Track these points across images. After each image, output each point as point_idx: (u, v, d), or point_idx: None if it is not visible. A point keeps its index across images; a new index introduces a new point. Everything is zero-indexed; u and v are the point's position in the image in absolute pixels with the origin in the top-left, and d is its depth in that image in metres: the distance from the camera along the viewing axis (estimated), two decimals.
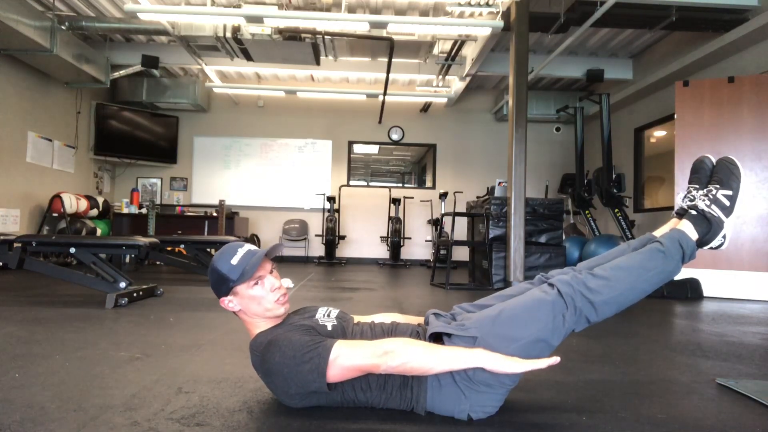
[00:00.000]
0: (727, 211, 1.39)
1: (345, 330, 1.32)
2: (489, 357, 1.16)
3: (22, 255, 3.05)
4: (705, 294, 4.15)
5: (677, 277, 4.24)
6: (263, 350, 1.23)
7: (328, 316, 1.36)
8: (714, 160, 1.49)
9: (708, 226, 1.38)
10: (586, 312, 1.24)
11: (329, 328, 1.29)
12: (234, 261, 1.25)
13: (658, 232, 1.44)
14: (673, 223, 1.46)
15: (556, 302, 1.24)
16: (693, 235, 1.37)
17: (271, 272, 1.31)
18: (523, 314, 1.24)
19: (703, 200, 1.41)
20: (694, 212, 1.41)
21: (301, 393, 1.20)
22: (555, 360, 1.15)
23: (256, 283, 1.27)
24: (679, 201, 1.51)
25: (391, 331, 1.34)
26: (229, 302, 1.29)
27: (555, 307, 1.23)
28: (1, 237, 3.10)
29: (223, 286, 1.27)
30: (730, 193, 1.40)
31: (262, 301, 1.27)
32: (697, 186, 1.47)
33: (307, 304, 1.50)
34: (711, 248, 1.42)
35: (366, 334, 1.33)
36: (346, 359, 1.15)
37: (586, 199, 6.65)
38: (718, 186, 1.42)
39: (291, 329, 1.25)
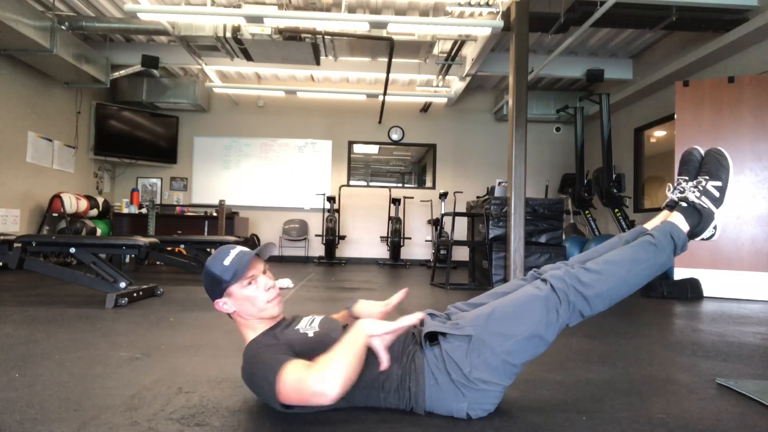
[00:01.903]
0: (718, 202, 1.40)
1: (329, 336, 1.30)
2: (367, 325, 1.18)
3: (22, 255, 3.05)
4: (705, 294, 4.15)
5: (677, 277, 4.24)
6: (245, 364, 1.25)
7: (311, 324, 1.36)
8: (703, 152, 1.50)
9: (699, 218, 1.39)
10: (579, 306, 1.24)
11: (310, 334, 1.29)
12: (226, 262, 1.26)
13: (649, 225, 1.45)
14: (664, 216, 1.46)
15: (549, 297, 1.24)
16: (684, 227, 1.38)
17: (264, 272, 1.32)
18: (516, 311, 1.24)
19: (693, 192, 1.42)
20: (684, 204, 1.42)
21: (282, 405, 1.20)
22: (418, 317, 1.22)
23: (250, 283, 1.28)
24: (669, 193, 1.51)
25: None
26: (223, 304, 1.30)
27: (548, 302, 1.23)
28: (1, 237, 3.10)
29: (217, 287, 1.27)
30: (719, 184, 1.41)
31: (255, 300, 1.28)
32: (687, 178, 1.48)
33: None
34: (702, 239, 1.43)
35: None
36: (289, 385, 1.12)
37: (586, 199, 6.65)
38: (707, 177, 1.42)
39: (266, 347, 1.23)
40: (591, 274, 1.26)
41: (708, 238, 1.42)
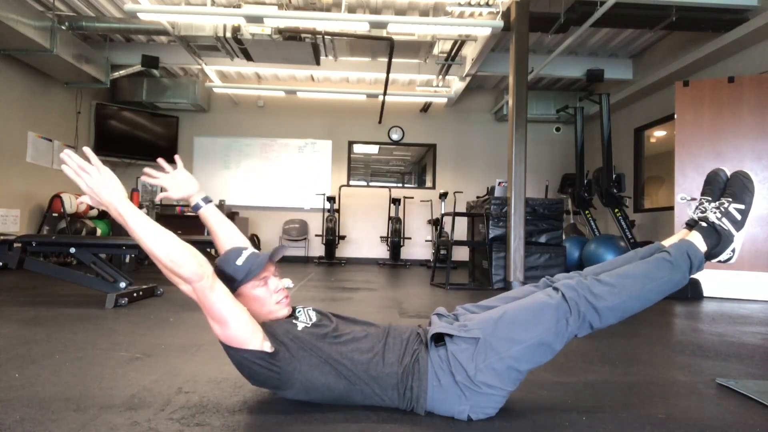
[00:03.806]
0: (738, 225, 1.39)
1: (334, 327, 1.33)
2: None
3: (22, 255, 3.04)
4: (705, 294, 4.14)
5: None
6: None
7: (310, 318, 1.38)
8: (728, 173, 1.48)
9: (717, 239, 1.37)
10: (589, 317, 1.24)
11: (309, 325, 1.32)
12: (239, 262, 1.26)
13: (667, 242, 1.43)
14: (682, 234, 1.45)
15: (560, 306, 1.23)
16: (702, 247, 1.36)
17: (274, 274, 1.33)
18: (526, 317, 1.24)
19: (715, 213, 1.41)
20: (704, 224, 1.40)
21: (258, 367, 1.20)
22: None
23: (262, 284, 1.28)
24: (681, 203, 1.51)
25: (387, 331, 1.34)
26: None
27: (559, 311, 1.23)
28: (1, 237, 3.09)
29: (227, 286, 1.27)
30: (742, 207, 1.39)
31: (265, 302, 1.28)
32: (710, 198, 1.46)
33: (307, 305, 1.50)
34: (719, 261, 1.41)
35: (357, 327, 1.35)
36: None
37: (586, 199, 6.64)
38: (730, 199, 1.41)
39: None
40: (603, 286, 1.25)
41: (725, 261, 1.40)
